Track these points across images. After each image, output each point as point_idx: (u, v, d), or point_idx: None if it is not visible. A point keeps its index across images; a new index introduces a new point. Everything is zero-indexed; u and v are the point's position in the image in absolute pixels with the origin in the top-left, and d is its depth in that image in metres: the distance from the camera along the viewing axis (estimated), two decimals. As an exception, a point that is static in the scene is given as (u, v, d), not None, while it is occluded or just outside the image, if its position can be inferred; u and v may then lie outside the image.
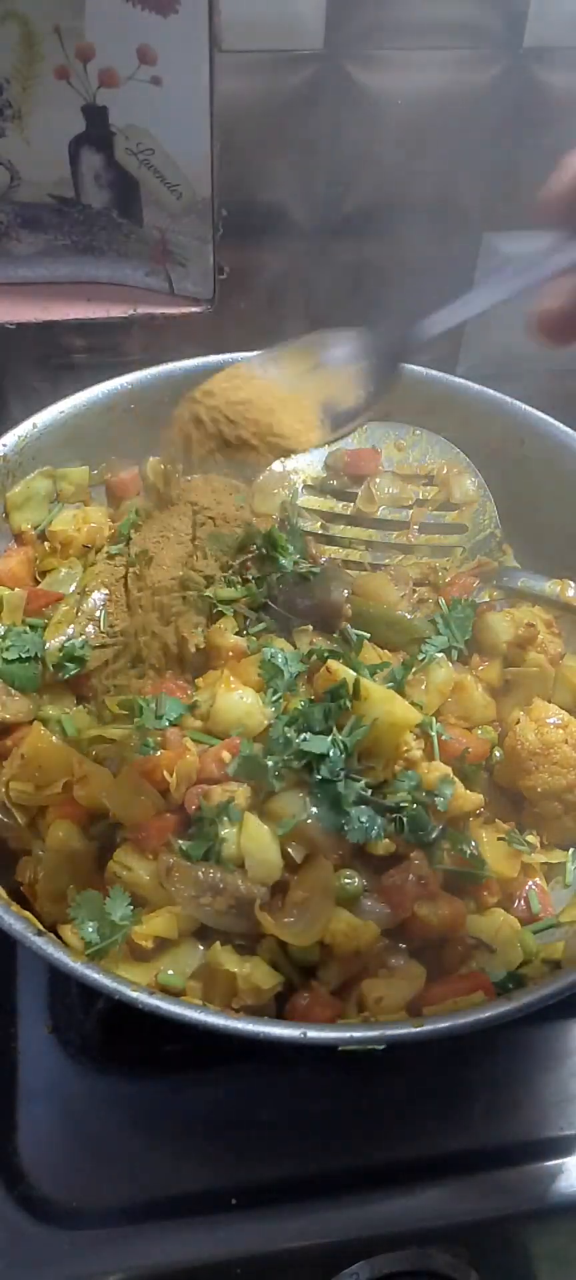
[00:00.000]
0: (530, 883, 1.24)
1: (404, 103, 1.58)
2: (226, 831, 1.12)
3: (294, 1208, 1.12)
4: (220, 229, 1.64)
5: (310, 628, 1.36)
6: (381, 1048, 0.95)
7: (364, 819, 1.15)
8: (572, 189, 0.96)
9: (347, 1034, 0.97)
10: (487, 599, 1.49)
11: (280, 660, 1.26)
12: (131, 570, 1.39)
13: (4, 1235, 1.08)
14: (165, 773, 1.15)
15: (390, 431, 1.61)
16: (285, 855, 1.13)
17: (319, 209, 1.67)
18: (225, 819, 1.13)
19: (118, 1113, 1.18)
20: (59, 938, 1.08)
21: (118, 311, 1.69)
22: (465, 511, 1.58)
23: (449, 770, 1.22)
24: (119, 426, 1.54)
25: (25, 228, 1.64)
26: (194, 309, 1.71)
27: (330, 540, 1.57)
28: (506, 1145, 1.18)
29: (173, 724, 1.22)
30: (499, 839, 1.24)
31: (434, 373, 1.59)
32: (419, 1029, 0.97)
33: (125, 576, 1.39)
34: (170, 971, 1.09)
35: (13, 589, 1.39)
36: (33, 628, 1.34)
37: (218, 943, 1.10)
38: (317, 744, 1.17)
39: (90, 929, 1.08)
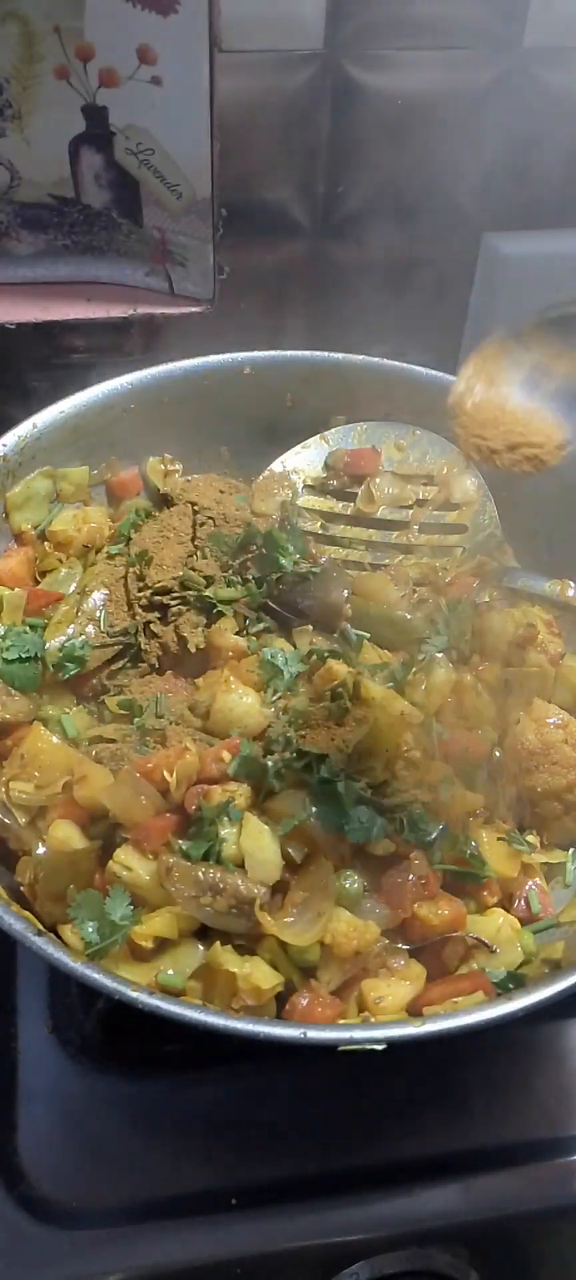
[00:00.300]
0: (530, 883, 1.24)
1: (404, 103, 1.58)
2: (226, 831, 1.12)
3: (294, 1208, 1.12)
4: (220, 229, 1.64)
5: (310, 628, 1.36)
6: (381, 1048, 0.95)
7: (364, 819, 1.15)
8: None
9: (347, 1034, 0.97)
10: (487, 599, 1.49)
11: (280, 660, 1.26)
12: (131, 570, 1.39)
13: (4, 1235, 1.08)
14: (165, 773, 1.15)
15: (390, 431, 1.61)
16: (285, 855, 1.13)
17: (319, 209, 1.67)
18: (225, 819, 1.13)
19: (118, 1113, 1.18)
20: (59, 938, 1.08)
21: (118, 311, 1.69)
22: (465, 511, 1.58)
23: (449, 770, 1.22)
24: (119, 426, 1.54)
25: (25, 228, 1.64)
26: (194, 309, 1.71)
27: (330, 540, 1.57)
28: (506, 1145, 1.18)
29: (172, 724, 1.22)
30: (499, 839, 1.24)
31: (434, 373, 1.59)
32: (419, 1029, 0.97)
33: (125, 576, 1.39)
34: (170, 971, 1.08)
35: (13, 589, 1.39)
36: (33, 628, 1.34)
37: (218, 943, 1.10)
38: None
39: (90, 929, 1.08)
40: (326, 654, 1.27)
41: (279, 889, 1.12)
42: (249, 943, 1.11)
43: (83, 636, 1.33)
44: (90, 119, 1.54)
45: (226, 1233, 1.10)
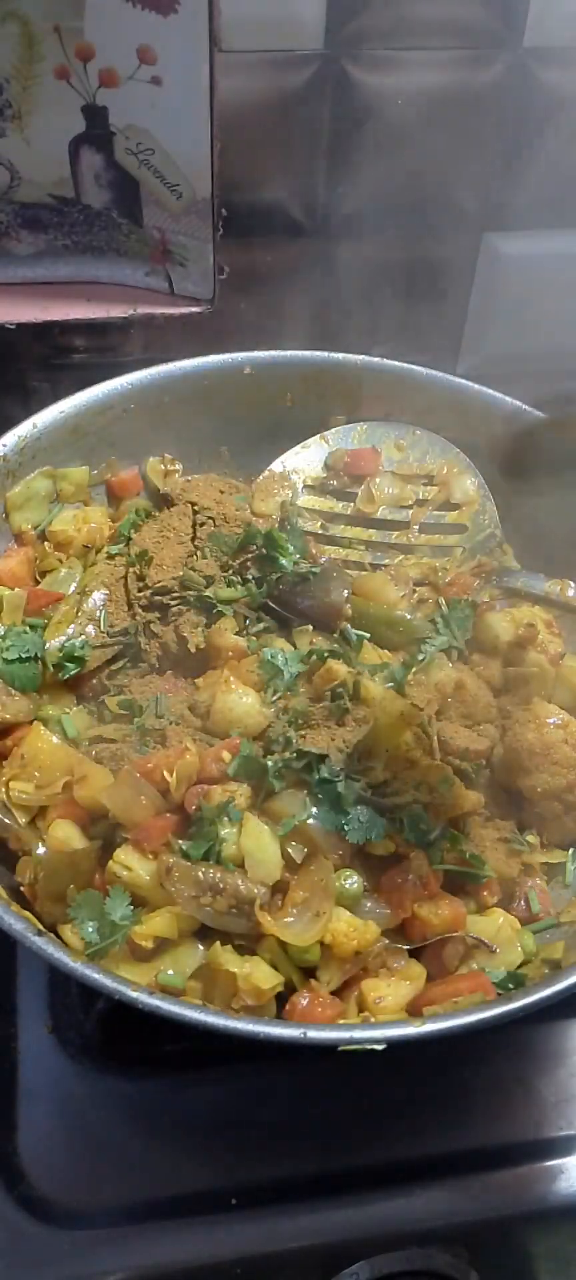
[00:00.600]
0: (530, 883, 1.24)
1: (404, 103, 1.58)
2: (226, 831, 1.13)
3: (294, 1208, 1.12)
4: (220, 229, 1.64)
5: (310, 628, 1.36)
6: (381, 1048, 0.95)
7: (364, 819, 1.15)
8: None
9: (347, 1034, 0.97)
10: (487, 599, 1.49)
11: (280, 660, 1.26)
12: (131, 570, 1.39)
13: (4, 1235, 1.08)
14: (165, 773, 1.15)
15: (390, 431, 1.61)
16: (285, 855, 1.13)
17: (319, 209, 1.67)
18: (225, 819, 1.13)
19: (118, 1113, 1.18)
20: (59, 938, 1.08)
21: (118, 311, 1.69)
22: (465, 511, 1.58)
23: (449, 770, 1.22)
24: (119, 426, 1.54)
25: (25, 228, 1.64)
26: (194, 309, 1.71)
27: (330, 540, 1.57)
28: (506, 1145, 1.18)
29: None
30: (499, 839, 1.24)
31: (434, 373, 1.59)
32: (419, 1029, 0.97)
33: (125, 576, 1.39)
34: (170, 971, 1.09)
35: (13, 589, 1.39)
36: (33, 628, 1.34)
37: (218, 943, 1.10)
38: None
39: (90, 929, 1.08)
40: (326, 654, 1.27)
41: (279, 889, 1.12)
42: (249, 943, 1.11)
43: (83, 636, 1.33)
44: (90, 119, 1.54)
45: (226, 1233, 1.11)
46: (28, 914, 1.06)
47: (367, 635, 1.35)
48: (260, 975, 1.07)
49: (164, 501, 1.54)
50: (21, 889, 1.14)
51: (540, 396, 1.45)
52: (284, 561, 1.39)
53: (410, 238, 1.73)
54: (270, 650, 1.28)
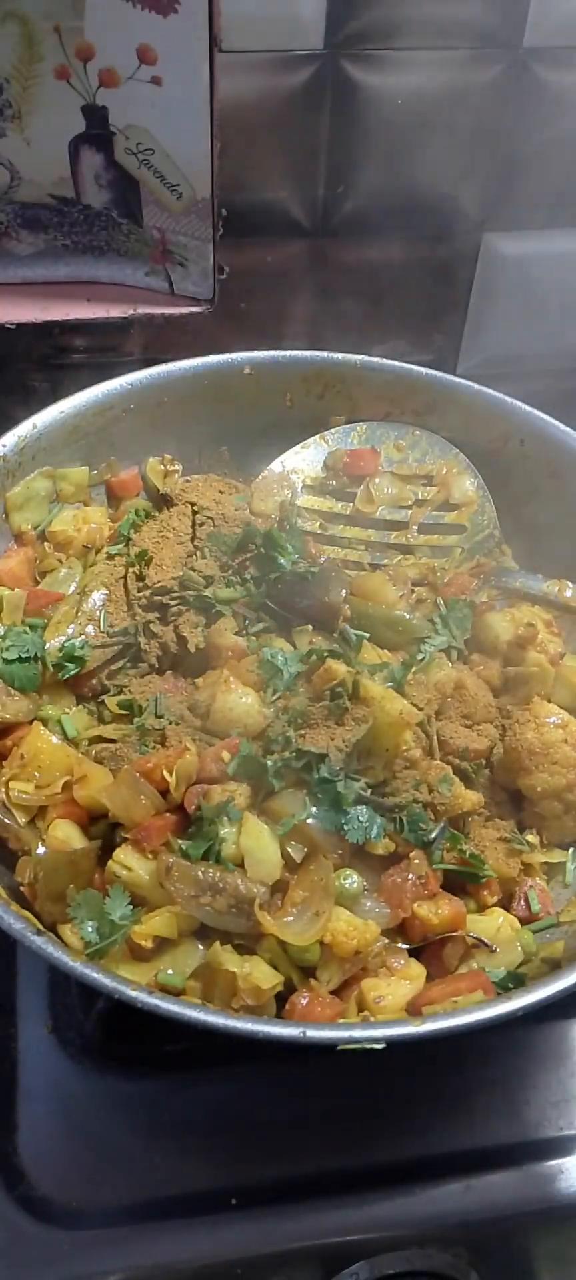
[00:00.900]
0: (530, 882, 1.24)
1: (404, 103, 1.58)
2: (226, 831, 1.13)
3: (294, 1208, 1.12)
4: (220, 229, 1.64)
5: (309, 628, 1.36)
6: (381, 1047, 0.95)
7: (363, 818, 1.15)
8: None
9: (347, 1034, 0.97)
10: (485, 599, 1.49)
11: (280, 660, 1.26)
12: (131, 570, 1.39)
13: (4, 1235, 1.08)
14: (165, 772, 1.15)
15: (390, 432, 1.61)
16: (285, 855, 1.13)
17: (319, 209, 1.67)
18: (225, 819, 1.13)
19: (118, 1113, 1.18)
20: (59, 938, 1.08)
21: (118, 311, 1.69)
22: (464, 512, 1.58)
23: (448, 769, 1.22)
24: (119, 426, 1.54)
25: (25, 228, 1.64)
26: (194, 309, 1.71)
27: (329, 540, 1.57)
28: (506, 1145, 1.18)
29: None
30: (499, 839, 1.24)
31: (434, 373, 1.59)
32: (419, 1029, 0.97)
33: (125, 576, 1.39)
34: (170, 971, 1.09)
35: (13, 589, 1.39)
36: (33, 628, 1.34)
37: (217, 942, 1.10)
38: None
39: (90, 929, 1.08)
40: (326, 654, 1.27)
41: (278, 888, 1.12)
42: (249, 942, 1.11)
43: (83, 636, 1.33)
44: (90, 119, 1.54)
45: (226, 1233, 1.11)
46: (28, 914, 1.06)
47: (367, 635, 1.35)
48: (260, 975, 1.07)
49: (164, 501, 1.54)
50: (21, 889, 1.14)
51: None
52: (282, 561, 1.39)
53: (410, 238, 1.73)
54: (270, 650, 1.28)
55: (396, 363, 1.60)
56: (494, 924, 1.17)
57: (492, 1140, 1.18)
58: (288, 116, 1.57)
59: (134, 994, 0.97)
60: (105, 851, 1.15)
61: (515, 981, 1.11)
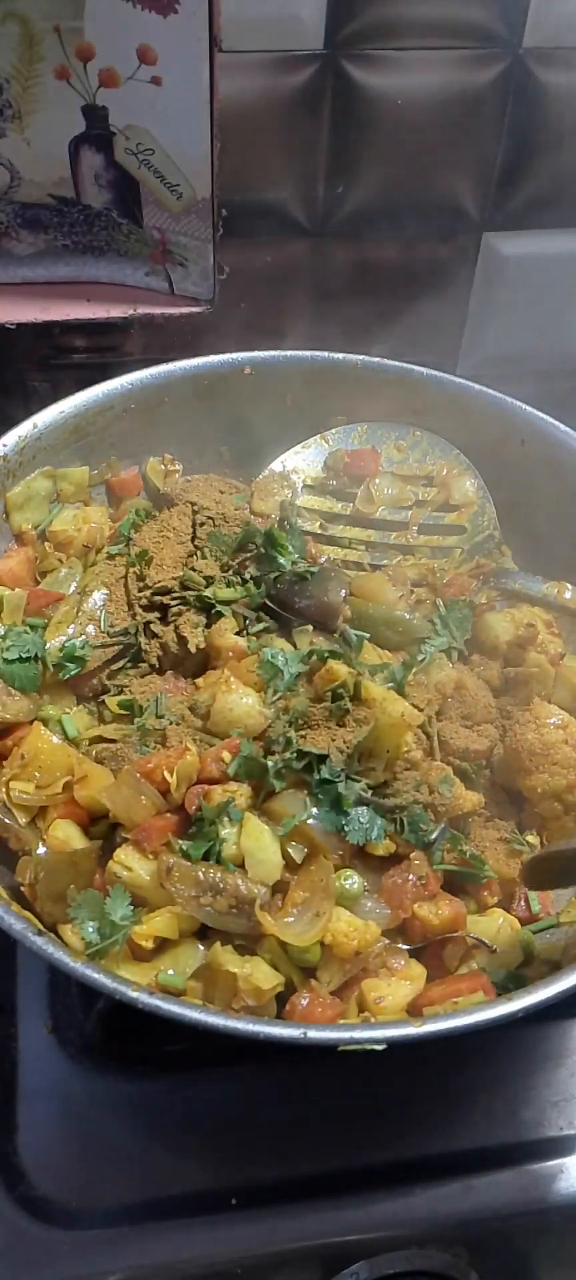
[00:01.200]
0: (530, 882, 1.24)
1: (404, 103, 1.58)
2: (226, 831, 1.12)
3: (294, 1208, 1.12)
4: (220, 229, 1.64)
5: (310, 628, 1.36)
6: (381, 1048, 0.95)
7: (364, 819, 1.15)
8: None
9: (347, 1034, 0.97)
10: (484, 600, 1.50)
11: (280, 660, 1.26)
12: (131, 570, 1.39)
13: (4, 1235, 1.08)
14: (165, 773, 1.15)
15: (390, 432, 1.61)
16: (285, 855, 1.13)
17: (319, 209, 1.67)
18: (225, 819, 1.13)
19: (118, 1113, 1.18)
20: (59, 938, 1.08)
21: (118, 311, 1.69)
22: (464, 513, 1.58)
23: (449, 770, 1.22)
24: (119, 426, 1.54)
25: (25, 228, 1.64)
26: (194, 309, 1.71)
27: (329, 540, 1.57)
28: (506, 1145, 1.18)
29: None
30: (499, 840, 1.24)
31: (434, 373, 1.59)
32: (419, 1029, 0.97)
33: (125, 576, 1.39)
34: (170, 971, 1.09)
35: (13, 589, 1.39)
36: (33, 628, 1.34)
37: (218, 943, 1.10)
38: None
39: (90, 929, 1.08)
40: (327, 654, 1.27)
41: (279, 889, 1.12)
42: (249, 943, 1.11)
43: (83, 636, 1.33)
44: (90, 119, 1.54)
45: (226, 1233, 1.11)
46: (28, 914, 1.06)
47: (367, 635, 1.35)
48: (260, 975, 1.07)
49: (164, 501, 1.54)
50: (21, 889, 1.14)
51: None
52: (282, 561, 1.39)
53: (410, 238, 1.73)
54: (270, 650, 1.28)
55: (396, 363, 1.60)
56: (494, 924, 1.17)
57: (492, 1140, 1.19)
58: (288, 116, 1.57)
59: (135, 995, 0.97)
60: (106, 852, 1.15)
61: (515, 982, 1.11)
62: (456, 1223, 1.14)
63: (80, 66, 1.48)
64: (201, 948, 1.11)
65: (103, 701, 1.31)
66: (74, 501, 1.53)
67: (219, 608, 1.35)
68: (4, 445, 1.43)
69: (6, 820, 1.17)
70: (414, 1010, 1.10)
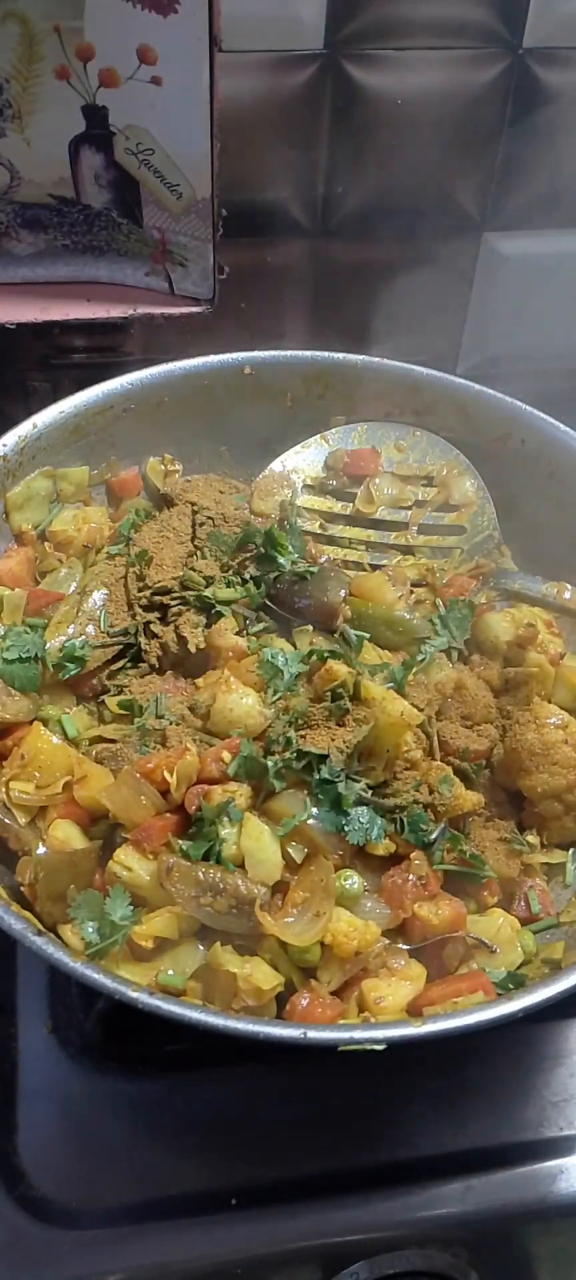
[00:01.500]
0: (530, 883, 1.24)
1: (404, 103, 1.58)
2: (226, 831, 1.12)
3: (294, 1208, 1.12)
4: (220, 229, 1.64)
5: (310, 628, 1.36)
6: (381, 1048, 0.95)
7: (364, 819, 1.15)
8: None
9: (347, 1034, 0.97)
10: (484, 600, 1.50)
11: (280, 660, 1.26)
12: (131, 570, 1.39)
13: (4, 1235, 1.08)
14: (165, 773, 1.15)
15: (390, 432, 1.61)
16: (285, 855, 1.13)
17: (319, 209, 1.67)
18: (225, 819, 1.13)
19: (118, 1113, 1.18)
20: (59, 938, 1.08)
21: (118, 311, 1.69)
22: (464, 513, 1.58)
23: (449, 770, 1.22)
24: (119, 426, 1.54)
25: (25, 228, 1.64)
26: (194, 309, 1.71)
27: (329, 540, 1.57)
28: (506, 1145, 1.18)
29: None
30: (499, 840, 1.24)
31: (434, 373, 1.59)
32: (419, 1029, 0.97)
33: (125, 576, 1.39)
34: (170, 972, 1.09)
35: (13, 589, 1.39)
36: (33, 628, 1.34)
37: (218, 943, 1.10)
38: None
39: (90, 929, 1.08)
40: (326, 654, 1.27)
41: (279, 889, 1.12)
42: (249, 943, 1.11)
43: (83, 636, 1.33)
44: (90, 119, 1.54)
45: (226, 1233, 1.11)
46: (28, 914, 1.06)
47: (367, 635, 1.35)
48: (260, 975, 1.07)
49: (164, 501, 1.54)
50: (21, 889, 1.14)
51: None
52: (282, 561, 1.39)
53: (410, 238, 1.73)
54: (270, 650, 1.28)
55: (396, 363, 1.60)
56: (494, 924, 1.17)
57: (492, 1140, 1.19)
58: (288, 116, 1.57)
59: (135, 995, 0.97)
60: (106, 852, 1.15)
61: (515, 982, 1.11)
62: (456, 1223, 1.14)
63: (80, 66, 1.48)
64: (201, 948, 1.11)
65: (103, 701, 1.31)
66: (74, 501, 1.53)
67: (219, 608, 1.35)
68: (4, 445, 1.43)
69: (6, 820, 1.17)
70: (414, 1010, 1.10)
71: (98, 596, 1.37)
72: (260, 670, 1.26)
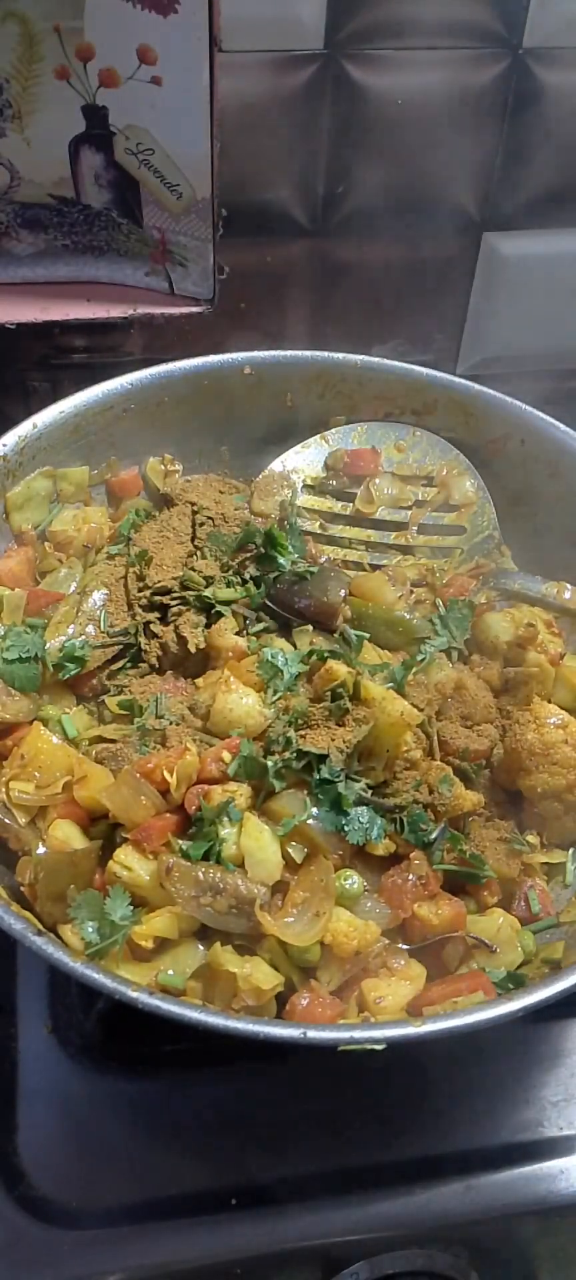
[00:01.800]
0: (530, 883, 1.24)
1: (404, 103, 1.58)
2: (226, 831, 1.13)
3: (294, 1208, 1.12)
4: (220, 229, 1.64)
5: (310, 628, 1.36)
6: (381, 1048, 0.95)
7: (364, 819, 1.15)
8: None
9: (347, 1034, 0.97)
10: (484, 600, 1.50)
11: (280, 660, 1.26)
12: (131, 570, 1.39)
13: (4, 1235, 1.09)
14: (165, 773, 1.15)
15: (390, 432, 1.61)
16: (285, 855, 1.13)
17: (319, 209, 1.67)
18: (225, 819, 1.13)
19: (118, 1113, 1.18)
20: (59, 938, 1.08)
21: (118, 311, 1.69)
22: (464, 513, 1.58)
23: (449, 770, 1.23)
24: (119, 426, 1.54)
25: (25, 228, 1.64)
26: (194, 309, 1.71)
27: (329, 540, 1.57)
28: (506, 1145, 1.18)
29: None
30: (499, 839, 1.24)
31: (434, 373, 1.59)
32: (419, 1029, 0.97)
33: (125, 576, 1.39)
34: (170, 972, 1.09)
35: (13, 589, 1.39)
36: (33, 628, 1.34)
37: (218, 943, 1.10)
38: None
39: (90, 929, 1.08)
40: (326, 654, 1.27)
41: (279, 889, 1.12)
42: (249, 943, 1.11)
43: (83, 636, 1.33)
44: (90, 119, 1.54)
45: (226, 1233, 1.11)
46: (28, 914, 1.06)
47: (367, 635, 1.35)
48: (260, 975, 1.07)
49: (164, 501, 1.54)
50: (21, 889, 1.14)
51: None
52: (282, 561, 1.39)
53: (410, 238, 1.73)
54: (270, 650, 1.28)
55: (396, 363, 1.60)
56: (494, 924, 1.17)
57: (492, 1140, 1.19)
58: (288, 116, 1.57)
59: (135, 995, 0.97)
60: (106, 852, 1.15)
61: (515, 982, 1.11)
62: (456, 1223, 1.14)
63: (80, 66, 1.48)
64: (201, 948, 1.11)
65: (103, 701, 1.31)
66: (74, 501, 1.53)
67: (219, 608, 1.35)
68: (4, 445, 1.43)
69: (6, 820, 1.17)
70: (414, 1010, 1.10)
71: (98, 596, 1.37)
72: (260, 670, 1.26)
